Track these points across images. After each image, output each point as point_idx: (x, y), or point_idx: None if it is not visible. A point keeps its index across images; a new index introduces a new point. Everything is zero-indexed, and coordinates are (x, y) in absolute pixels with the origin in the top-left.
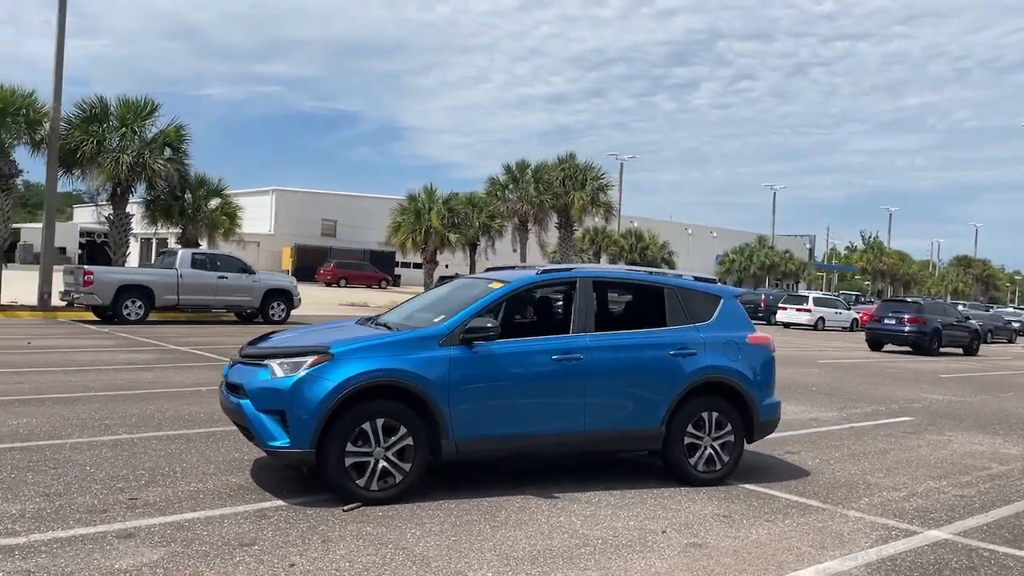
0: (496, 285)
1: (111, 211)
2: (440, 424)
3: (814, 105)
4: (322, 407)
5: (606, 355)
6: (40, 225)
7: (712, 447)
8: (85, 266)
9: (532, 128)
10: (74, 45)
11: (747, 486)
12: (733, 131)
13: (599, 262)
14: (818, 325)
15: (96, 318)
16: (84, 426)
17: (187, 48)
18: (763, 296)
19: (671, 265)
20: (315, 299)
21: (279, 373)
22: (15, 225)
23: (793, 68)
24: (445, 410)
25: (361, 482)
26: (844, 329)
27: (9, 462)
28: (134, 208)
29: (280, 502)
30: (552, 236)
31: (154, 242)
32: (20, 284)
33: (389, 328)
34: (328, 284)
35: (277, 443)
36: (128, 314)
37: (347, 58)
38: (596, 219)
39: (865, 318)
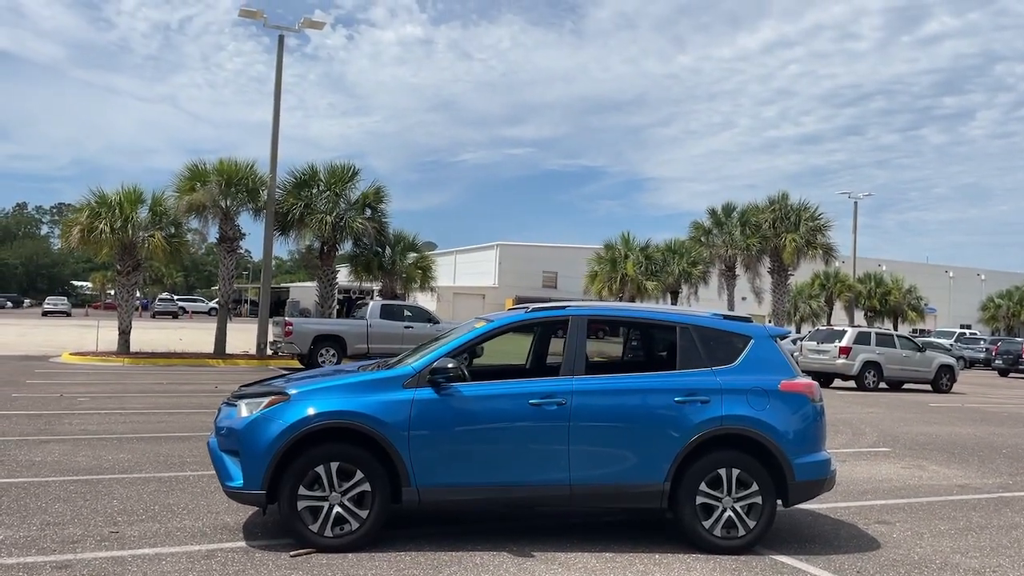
0: (479, 324)
1: (320, 268)
2: (400, 470)
3: None
4: (272, 448)
5: (594, 400)
6: (309, 284)
7: (733, 509)
8: (286, 318)
9: (781, 171)
10: (353, 123)
11: (776, 556)
12: (1019, 162)
13: (831, 309)
14: None
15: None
16: (164, 463)
17: (445, 118)
18: None
19: (918, 312)
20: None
21: (243, 413)
22: (287, 284)
23: None
24: (405, 455)
25: (315, 527)
26: None
27: (55, 492)
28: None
29: (241, 544)
30: (766, 282)
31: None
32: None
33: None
34: None
35: (232, 483)
36: (323, 361)
37: (590, 116)
38: (815, 262)
39: None
